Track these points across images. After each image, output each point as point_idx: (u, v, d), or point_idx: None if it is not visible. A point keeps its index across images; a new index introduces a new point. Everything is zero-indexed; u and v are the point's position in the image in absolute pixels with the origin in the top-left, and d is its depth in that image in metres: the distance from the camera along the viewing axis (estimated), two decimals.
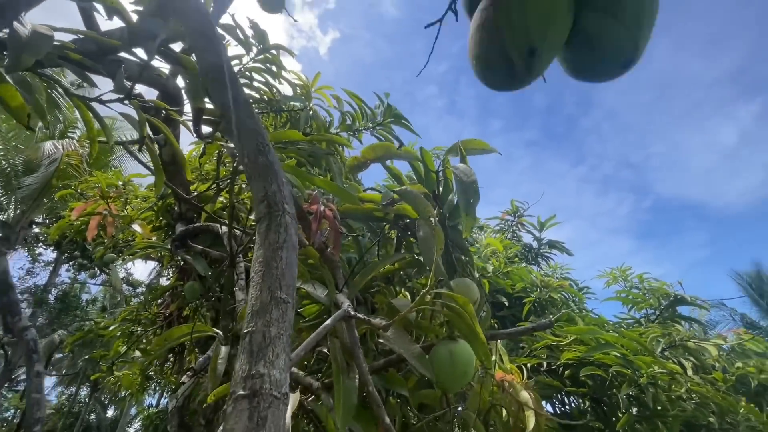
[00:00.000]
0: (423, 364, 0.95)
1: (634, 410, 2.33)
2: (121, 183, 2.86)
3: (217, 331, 1.26)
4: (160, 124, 1.51)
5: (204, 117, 1.23)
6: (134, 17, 1.27)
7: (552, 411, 2.75)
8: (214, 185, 2.18)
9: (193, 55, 1.25)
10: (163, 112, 1.78)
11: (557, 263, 4.34)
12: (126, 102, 1.36)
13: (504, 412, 1.81)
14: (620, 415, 2.27)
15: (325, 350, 1.39)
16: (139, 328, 3.05)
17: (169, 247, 2.45)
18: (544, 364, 2.82)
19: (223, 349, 1.17)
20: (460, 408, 1.94)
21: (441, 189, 1.30)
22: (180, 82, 2.02)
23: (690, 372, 2.91)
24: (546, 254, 4.23)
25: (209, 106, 1.31)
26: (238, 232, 2.24)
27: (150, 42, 1.07)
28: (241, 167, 1.49)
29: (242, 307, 1.25)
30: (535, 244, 4.22)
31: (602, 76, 0.50)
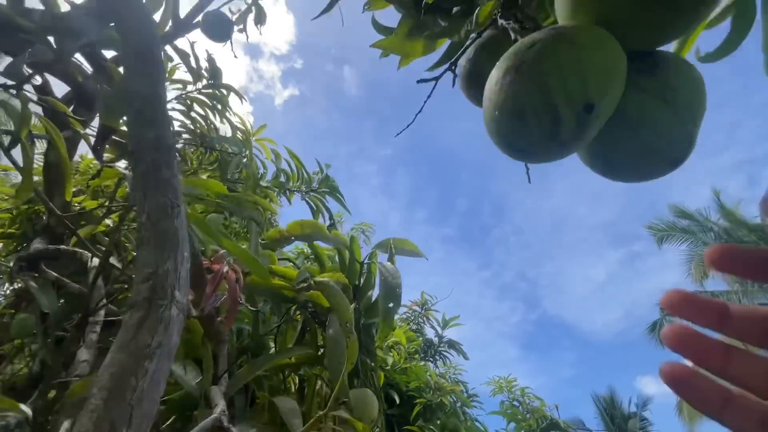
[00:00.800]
0: None
1: None
2: None
3: (25, 409, 0.92)
4: (49, 125, 1.25)
5: (113, 137, 1.03)
6: (65, 6, 1.09)
7: None
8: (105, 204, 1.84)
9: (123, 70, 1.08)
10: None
11: (452, 362, 4.36)
12: (12, 91, 1.11)
13: None
14: None
15: None
16: None
17: (11, 264, 1.94)
18: None
19: None
20: None
21: (362, 281, 1.21)
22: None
23: None
24: (444, 352, 4.24)
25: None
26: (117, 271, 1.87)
27: (72, 39, 0.89)
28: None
29: (79, 380, 0.95)
30: (436, 340, 4.23)
31: (643, 172, 0.40)
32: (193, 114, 2.09)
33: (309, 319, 1.23)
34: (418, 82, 0.66)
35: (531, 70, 0.37)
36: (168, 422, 1.15)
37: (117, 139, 1.04)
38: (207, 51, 2.09)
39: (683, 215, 14.77)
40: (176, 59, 2.12)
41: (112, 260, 1.84)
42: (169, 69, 2.24)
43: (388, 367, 2.89)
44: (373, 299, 1.21)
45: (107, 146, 1.11)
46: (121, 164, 1.55)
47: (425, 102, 0.69)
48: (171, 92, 2.47)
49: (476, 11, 0.85)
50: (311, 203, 2.46)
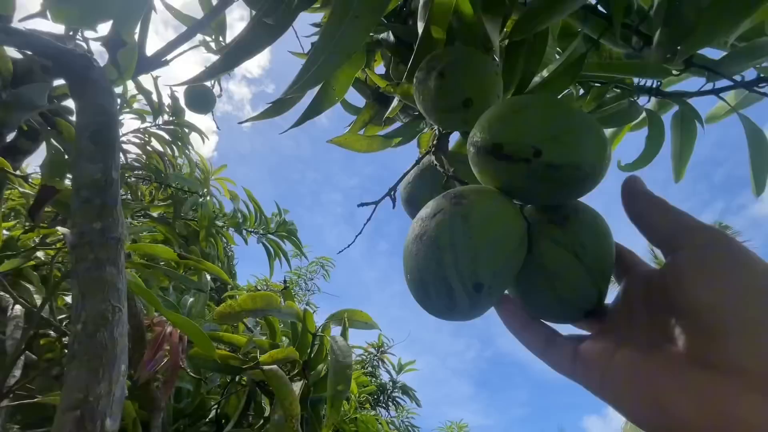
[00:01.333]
0: None
1: None
2: None
3: None
4: None
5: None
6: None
7: None
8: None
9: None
10: None
11: (404, 407, 4.30)
12: None
13: None
14: None
15: None
16: None
17: None
18: None
19: None
20: None
21: (313, 354, 1.19)
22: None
23: None
24: (397, 398, 4.17)
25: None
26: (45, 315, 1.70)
27: (24, 111, 0.85)
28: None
29: None
30: (389, 384, 4.17)
31: (559, 318, 0.43)
32: (149, 148, 2.02)
33: (255, 392, 1.18)
34: (359, 206, 0.70)
35: (430, 242, 0.39)
36: None
37: (60, 199, 0.98)
38: (171, 88, 2.05)
39: None
40: (133, 92, 2.06)
41: (44, 309, 1.69)
42: (128, 99, 2.17)
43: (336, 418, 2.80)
44: (322, 373, 1.18)
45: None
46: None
47: (365, 225, 0.73)
48: (128, 122, 2.38)
49: (417, 137, 0.91)
50: (268, 246, 2.42)
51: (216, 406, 1.39)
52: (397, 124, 0.97)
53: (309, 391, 1.11)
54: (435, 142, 0.70)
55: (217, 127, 1.88)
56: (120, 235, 0.69)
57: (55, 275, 1.33)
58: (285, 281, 1.44)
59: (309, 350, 1.16)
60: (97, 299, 0.59)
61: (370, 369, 4.25)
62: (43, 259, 2.14)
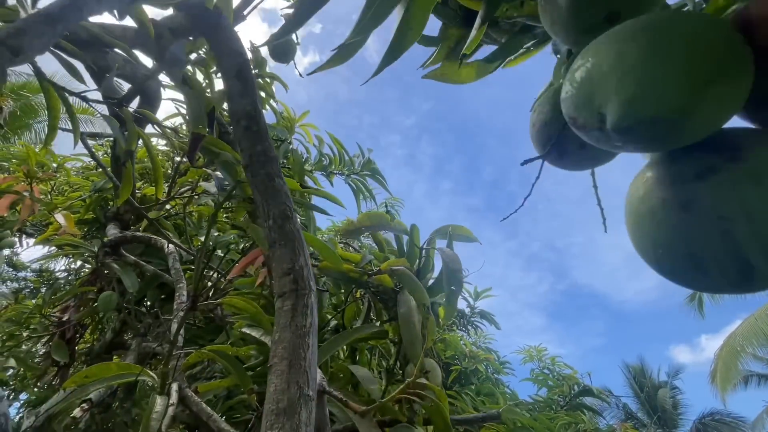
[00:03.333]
0: None
1: None
2: (54, 165, 2.53)
3: (153, 375, 1.11)
4: (142, 134, 1.39)
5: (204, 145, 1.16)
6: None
7: None
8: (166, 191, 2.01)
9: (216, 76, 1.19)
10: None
11: (483, 332, 4.53)
12: (116, 107, 1.25)
13: None
14: None
15: None
16: (25, 332, 2.57)
17: (95, 250, 2.17)
18: None
19: (159, 401, 1.03)
20: None
21: (421, 265, 1.33)
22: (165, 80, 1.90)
23: None
24: (476, 322, 4.41)
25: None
26: (184, 252, 2.06)
27: (176, 66, 1.01)
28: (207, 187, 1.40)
29: (193, 353, 1.13)
30: (467, 311, 4.40)
31: None
32: None
33: (374, 299, 1.37)
34: (522, 164, 0.60)
35: (707, 212, 0.32)
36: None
37: (204, 145, 1.16)
38: (251, 42, 2.18)
39: None
40: None
41: (176, 241, 2.04)
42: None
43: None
44: (430, 283, 1.33)
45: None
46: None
47: (533, 185, 0.64)
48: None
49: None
50: (352, 185, 2.58)
51: (333, 319, 1.62)
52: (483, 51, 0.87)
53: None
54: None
55: (300, 75, 1.99)
56: (275, 153, 0.84)
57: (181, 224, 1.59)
58: (386, 206, 1.57)
59: (418, 262, 1.30)
60: (277, 201, 0.75)
61: None
62: (170, 210, 2.50)
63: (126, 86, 1.92)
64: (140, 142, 1.57)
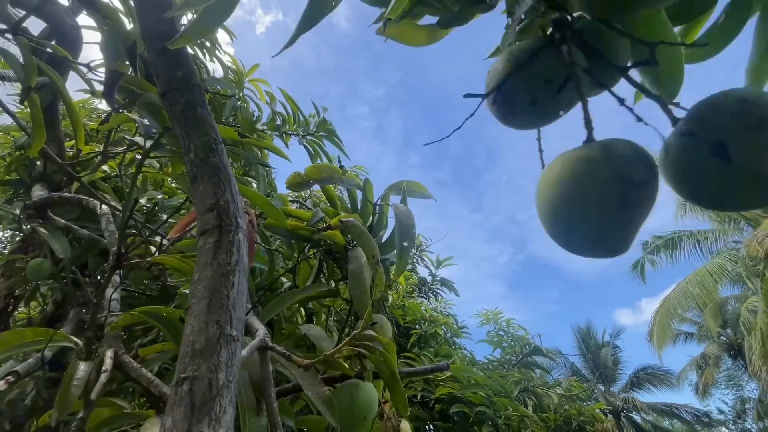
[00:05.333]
0: (330, 411, 0.89)
1: None
2: None
3: (75, 340, 1.00)
4: (50, 71, 1.21)
5: (123, 84, 1.02)
6: None
7: None
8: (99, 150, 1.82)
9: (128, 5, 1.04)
10: (50, 51, 1.44)
11: (443, 298, 4.65)
12: (9, 37, 1.06)
13: None
14: None
15: None
16: None
17: (17, 212, 1.94)
18: (419, 396, 2.95)
19: (82, 367, 0.93)
20: None
21: (375, 221, 1.28)
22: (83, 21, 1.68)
23: (531, 410, 3.36)
24: (437, 290, 4.51)
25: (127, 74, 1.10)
26: (122, 215, 1.89)
27: None
28: (139, 142, 1.27)
29: (121, 315, 1.03)
30: (429, 279, 4.48)
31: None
32: None
33: (326, 257, 1.31)
34: (465, 96, 0.60)
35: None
36: None
37: (123, 85, 1.02)
38: None
39: None
40: None
41: (113, 203, 1.87)
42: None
43: (388, 304, 3.09)
44: (384, 239, 1.29)
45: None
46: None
47: (467, 119, 0.62)
48: None
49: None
50: (309, 147, 2.47)
51: (293, 281, 1.56)
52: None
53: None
54: (557, 33, 0.58)
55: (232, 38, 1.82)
56: (197, 80, 0.74)
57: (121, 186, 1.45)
58: (340, 161, 1.50)
59: (371, 218, 1.26)
60: (199, 133, 0.66)
61: (410, 267, 4.54)
62: (108, 171, 2.28)
63: (39, 24, 1.68)
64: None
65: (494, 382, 2.99)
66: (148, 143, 1.05)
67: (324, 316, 1.92)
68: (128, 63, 1.04)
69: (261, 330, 0.91)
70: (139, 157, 1.92)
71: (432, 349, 3.51)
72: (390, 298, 3.06)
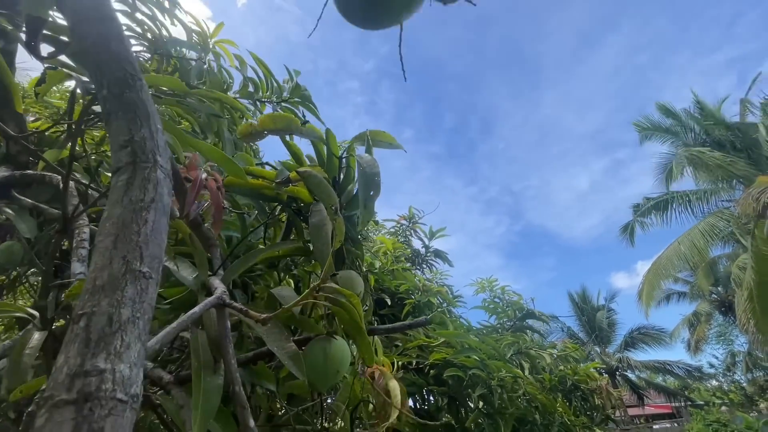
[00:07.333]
0: (297, 365, 0.87)
1: (482, 407, 2.59)
2: None
3: (30, 311, 0.96)
4: None
5: (48, 34, 0.93)
6: None
7: (414, 407, 2.91)
8: (63, 126, 1.73)
9: None
10: None
11: (438, 270, 4.65)
12: None
13: (371, 406, 1.83)
14: (470, 412, 2.50)
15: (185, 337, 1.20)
16: None
17: None
18: (413, 363, 2.98)
19: (37, 336, 0.89)
20: (329, 400, 1.91)
21: (342, 176, 1.23)
22: None
23: (527, 372, 3.41)
24: (431, 261, 4.50)
25: (62, 22, 1.01)
26: (90, 191, 1.82)
27: None
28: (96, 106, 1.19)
29: (76, 282, 0.99)
30: (423, 251, 4.46)
31: None
32: (138, 15, 1.88)
33: (294, 216, 1.27)
34: None
35: None
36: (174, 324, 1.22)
37: (52, 35, 0.94)
38: None
39: (668, 114, 14.91)
40: None
41: (80, 177, 1.80)
42: None
43: (376, 270, 3.07)
44: (353, 193, 1.24)
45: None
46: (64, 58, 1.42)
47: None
48: None
49: None
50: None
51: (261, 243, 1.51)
52: None
53: (342, 209, 1.18)
54: None
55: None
56: (114, 13, 0.67)
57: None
58: (304, 117, 1.43)
59: (338, 172, 1.20)
60: (113, 67, 0.59)
61: (402, 239, 4.51)
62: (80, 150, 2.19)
63: None
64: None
65: (488, 345, 3.02)
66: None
67: (309, 282, 1.89)
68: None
69: (219, 288, 0.88)
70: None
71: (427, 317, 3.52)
72: (378, 264, 3.03)
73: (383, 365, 1.78)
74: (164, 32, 1.89)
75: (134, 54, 2.02)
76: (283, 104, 2.36)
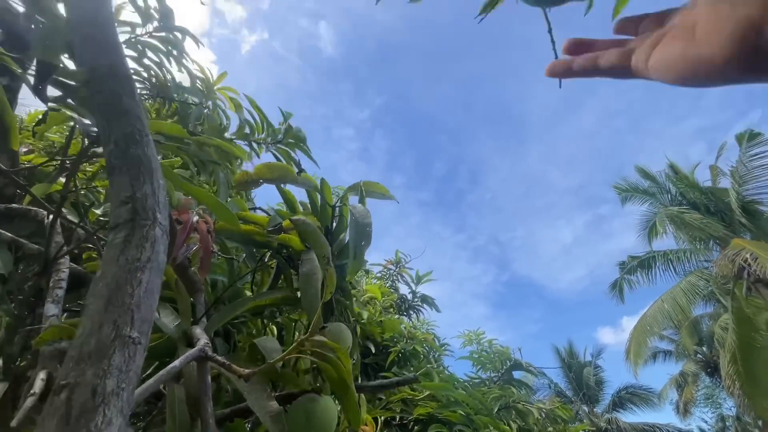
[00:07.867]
0: (277, 426, 0.82)
1: None
2: None
3: None
4: None
5: (57, 77, 0.96)
6: None
7: None
8: (57, 162, 1.73)
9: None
10: None
11: (425, 318, 4.57)
12: None
13: None
14: None
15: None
16: None
17: None
18: (397, 418, 2.84)
19: None
20: None
21: (335, 225, 1.24)
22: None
23: (515, 431, 3.27)
24: (417, 307, 4.43)
25: (70, 66, 1.04)
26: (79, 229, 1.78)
27: None
28: (99, 152, 1.20)
29: (49, 327, 0.94)
30: (409, 296, 4.41)
31: None
32: (146, 61, 1.96)
33: (284, 264, 1.26)
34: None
35: None
36: (149, 371, 1.16)
37: (61, 79, 0.96)
38: None
39: (646, 176, 15.58)
40: None
41: (69, 216, 1.77)
42: (113, 8, 2.07)
43: (364, 321, 3.00)
44: (346, 241, 1.24)
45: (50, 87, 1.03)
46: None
47: None
48: (119, 35, 2.29)
49: None
50: (278, 156, 2.42)
51: (251, 293, 1.48)
52: None
53: (333, 258, 1.18)
54: None
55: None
56: (128, 70, 0.69)
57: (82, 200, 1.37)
58: (299, 164, 1.46)
59: (330, 221, 1.21)
60: (122, 123, 0.61)
61: (389, 284, 4.47)
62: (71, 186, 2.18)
63: None
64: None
65: (474, 399, 2.91)
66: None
67: (297, 333, 1.83)
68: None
69: (202, 339, 0.85)
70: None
71: (413, 368, 3.41)
72: (366, 314, 2.98)
73: (366, 423, 1.69)
74: (169, 78, 1.96)
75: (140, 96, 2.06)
76: (278, 145, 2.41)
